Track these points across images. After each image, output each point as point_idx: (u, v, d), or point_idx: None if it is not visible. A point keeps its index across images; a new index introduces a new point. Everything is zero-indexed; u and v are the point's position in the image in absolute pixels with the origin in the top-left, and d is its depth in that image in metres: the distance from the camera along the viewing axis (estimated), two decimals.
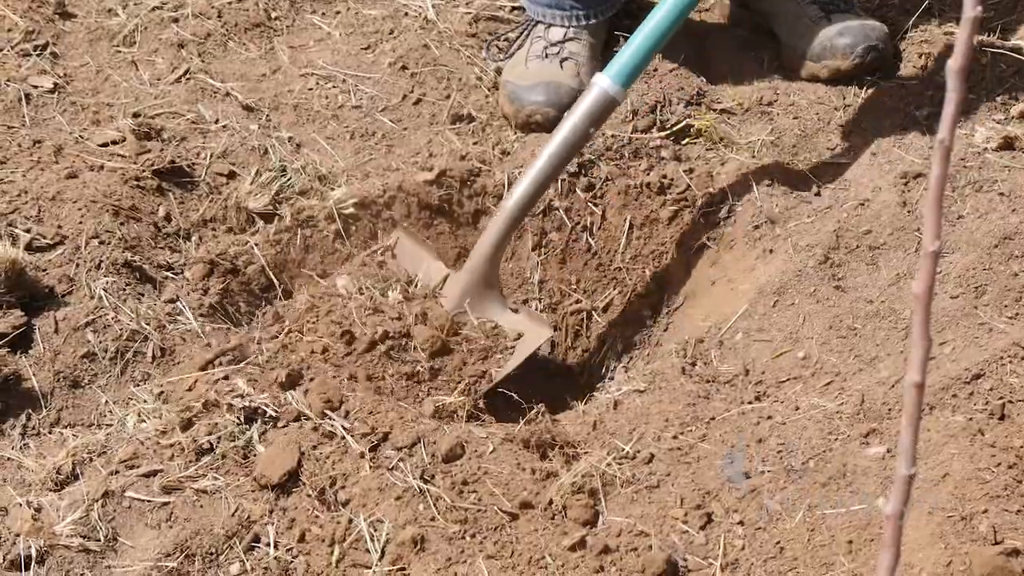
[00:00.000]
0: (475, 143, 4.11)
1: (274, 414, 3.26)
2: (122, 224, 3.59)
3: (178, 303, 3.51)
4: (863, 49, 4.15)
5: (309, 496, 3.08)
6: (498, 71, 4.34)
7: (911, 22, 4.27)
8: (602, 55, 4.29)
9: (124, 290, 3.42)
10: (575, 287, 4.05)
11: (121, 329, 3.33)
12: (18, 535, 2.99)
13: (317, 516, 3.06)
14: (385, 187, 3.93)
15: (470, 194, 4.00)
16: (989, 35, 4.17)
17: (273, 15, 4.47)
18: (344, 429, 3.21)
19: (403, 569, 2.97)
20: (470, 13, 4.48)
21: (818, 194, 3.89)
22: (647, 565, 2.96)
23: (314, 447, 3.16)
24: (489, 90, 4.30)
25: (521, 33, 4.33)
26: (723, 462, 3.22)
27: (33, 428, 3.19)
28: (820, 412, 3.30)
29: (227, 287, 3.65)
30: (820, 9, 4.22)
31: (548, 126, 4.04)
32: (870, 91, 4.13)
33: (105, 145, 3.85)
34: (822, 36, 4.19)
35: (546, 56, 4.23)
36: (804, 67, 4.23)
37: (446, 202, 3.98)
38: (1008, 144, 3.87)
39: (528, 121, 4.15)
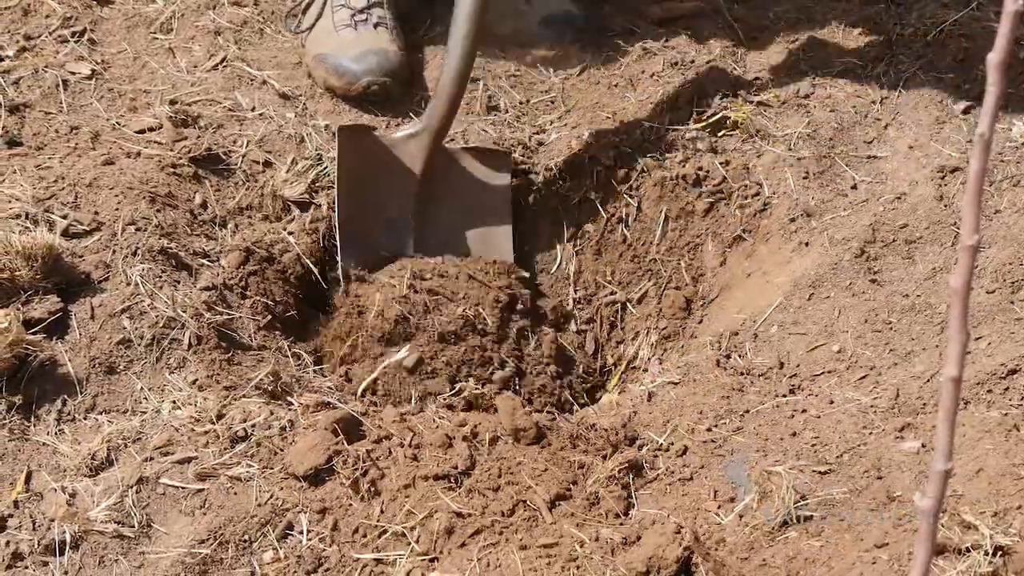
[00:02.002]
0: (512, 133, 4.11)
1: (308, 402, 3.27)
2: (158, 211, 3.59)
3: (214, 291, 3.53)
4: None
5: (343, 485, 3.08)
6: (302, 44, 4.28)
7: (951, 15, 4.25)
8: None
9: (160, 277, 3.42)
10: (610, 278, 4.04)
11: (157, 316, 3.33)
12: (53, 520, 3.00)
13: (351, 505, 3.06)
14: None
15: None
16: None
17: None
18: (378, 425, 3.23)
19: (436, 559, 2.97)
20: None
21: (854, 187, 3.88)
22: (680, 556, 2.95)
23: (348, 436, 3.17)
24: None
25: (311, 1, 4.28)
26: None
27: (68, 414, 3.20)
28: (855, 406, 3.30)
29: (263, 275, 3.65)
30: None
31: (384, 94, 4.10)
32: (907, 84, 4.12)
33: (142, 132, 3.86)
34: None
35: (356, 24, 4.18)
36: None
37: None
38: None
39: (365, 93, 4.12)
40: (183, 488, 3.07)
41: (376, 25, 4.17)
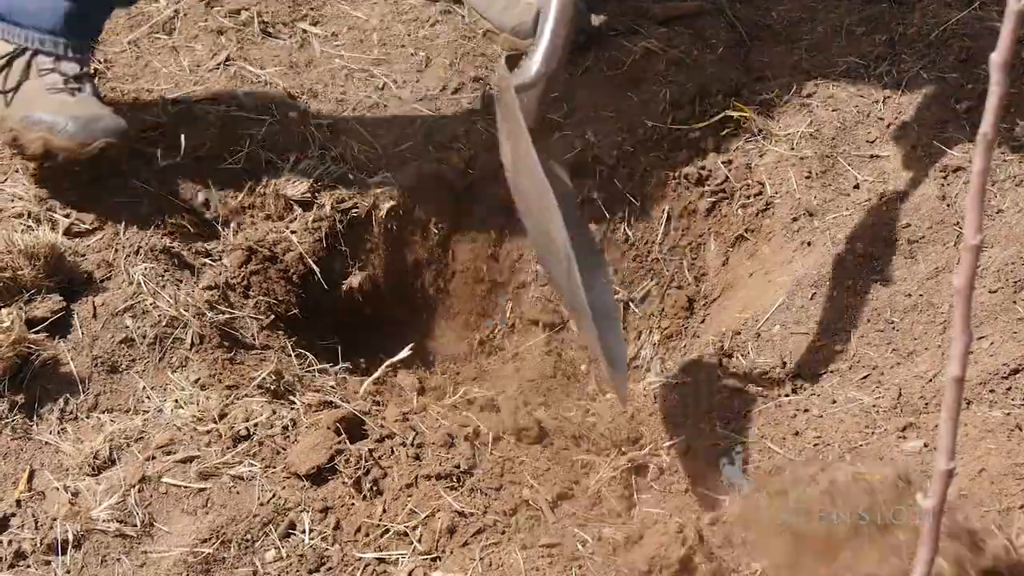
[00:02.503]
0: None
1: (310, 401, 3.28)
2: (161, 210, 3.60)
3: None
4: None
5: (345, 484, 3.09)
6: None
7: (953, 15, 4.25)
8: None
9: (163, 276, 3.42)
10: (613, 278, 4.04)
11: (159, 315, 3.34)
12: (55, 519, 3.00)
13: (353, 504, 3.06)
14: (421, 175, 3.94)
15: (504, 182, 4.00)
16: None
17: (312, 3, 4.47)
18: (380, 423, 3.23)
19: (438, 558, 2.97)
20: None
21: (857, 187, 3.88)
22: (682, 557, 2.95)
23: (351, 435, 3.17)
24: None
25: (9, 61, 3.73)
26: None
27: (71, 413, 3.20)
28: (857, 405, 3.29)
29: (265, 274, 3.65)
30: None
31: (115, 158, 3.70)
32: (910, 84, 4.12)
33: (144, 131, 3.86)
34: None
35: (72, 91, 3.67)
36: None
37: (481, 190, 3.99)
38: None
39: (101, 155, 3.63)
40: (185, 487, 3.07)
41: (92, 95, 3.73)
